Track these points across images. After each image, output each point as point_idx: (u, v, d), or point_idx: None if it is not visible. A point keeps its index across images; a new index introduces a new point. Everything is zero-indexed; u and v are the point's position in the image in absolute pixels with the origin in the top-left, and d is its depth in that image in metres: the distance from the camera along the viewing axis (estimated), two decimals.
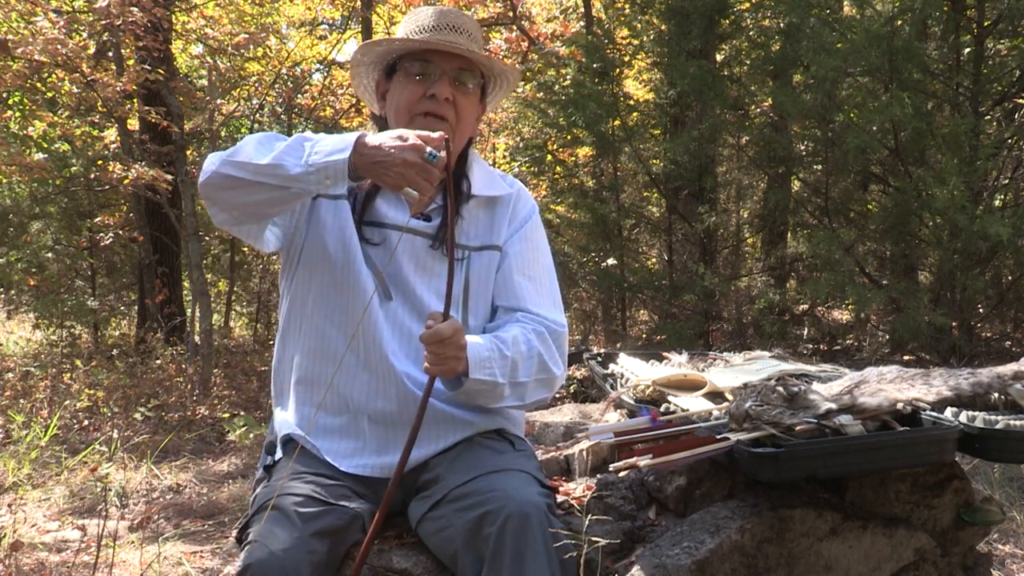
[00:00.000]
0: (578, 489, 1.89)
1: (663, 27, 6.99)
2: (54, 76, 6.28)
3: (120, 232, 8.11)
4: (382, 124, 1.76)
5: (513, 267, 1.76)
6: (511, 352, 1.62)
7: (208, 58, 7.86)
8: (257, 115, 8.97)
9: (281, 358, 1.78)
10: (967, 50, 5.86)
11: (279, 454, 1.72)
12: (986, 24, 5.71)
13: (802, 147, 6.95)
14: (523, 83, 9.02)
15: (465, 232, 1.75)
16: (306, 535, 1.44)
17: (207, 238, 8.68)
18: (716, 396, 1.97)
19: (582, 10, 8.60)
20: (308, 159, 1.46)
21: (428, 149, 1.44)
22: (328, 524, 1.49)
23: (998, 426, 1.63)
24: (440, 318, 1.52)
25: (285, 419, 1.75)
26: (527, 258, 1.78)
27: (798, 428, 1.58)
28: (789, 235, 7.96)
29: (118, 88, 5.94)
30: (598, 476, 1.94)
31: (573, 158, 8.19)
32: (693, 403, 1.91)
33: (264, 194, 1.51)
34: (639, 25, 7.20)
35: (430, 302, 1.70)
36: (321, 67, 9.97)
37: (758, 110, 7.06)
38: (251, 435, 4.81)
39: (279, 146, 1.50)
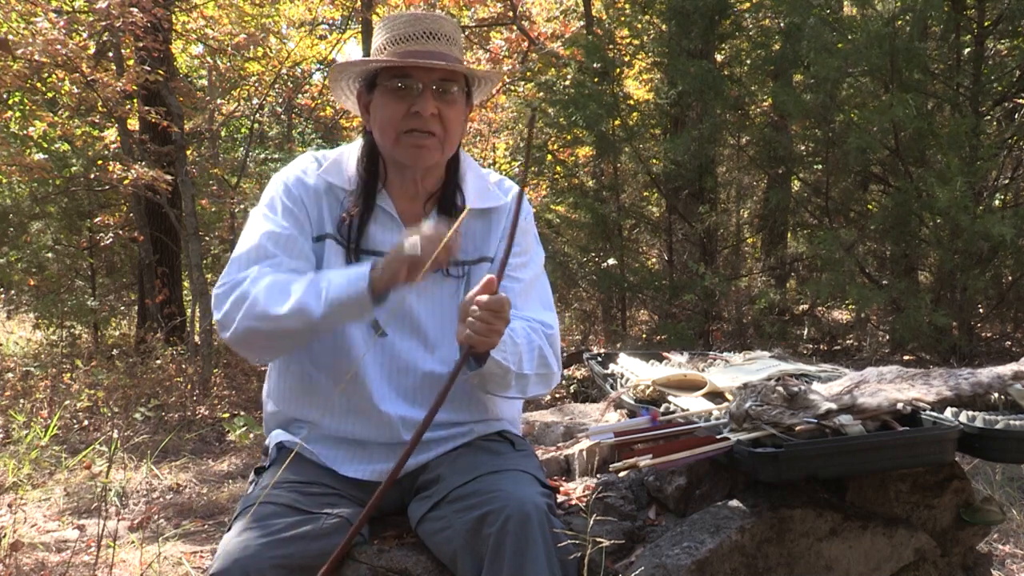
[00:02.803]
0: (578, 489, 1.89)
1: (663, 27, 7.00)
2: (54, 76, 6.28)
3: (120, 232, 8.11)
4: (368, 137, 1.71)
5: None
6: (520, 340, 1.61)
7: (208, 58, 7.87)
8: (257, 115, 8.96)
9: (270, 389, 1.77)
10: (967, 50, 5.87)
11: (270, 460, 1.72)
12: (986, 24, 5.72)
13: (802, 147, 6.95)
14: (523, 83, 9.03)
15: (462, 248, 1.68)
16: (274, 541, 1.45)
17: (207, 238, 8.68)
18: (716, 396, 1.97)
19: (582, 10, 8.60)
20: (328, 296, 1.47)
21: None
22: (305, 531, 1.49)
23: (998, 426, 1.63)
24: (494, 286, 1.46)
25: (278, 431, 1.75)
26: (513, 263, 1.74)
27: (798, 428, 1.58)
28: (789, 235, 7.96)
29: (118, 88, 5.94)
30: (598, 476, 1.94)
31: (573, 158, 8.19)
32: (693, 403, 1.91)
33: (294, 338, 1.55)
34: (640, 25, 7.20)
35: (432, 329, 1.68)
36: (321, 67, 9.97)
37: (758, 110, 7.06)
38: (251, 435, 4.81)
39: (296, 290, 1.49)
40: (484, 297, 1.44)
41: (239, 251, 1.62)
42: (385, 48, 1.64)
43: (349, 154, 1.73)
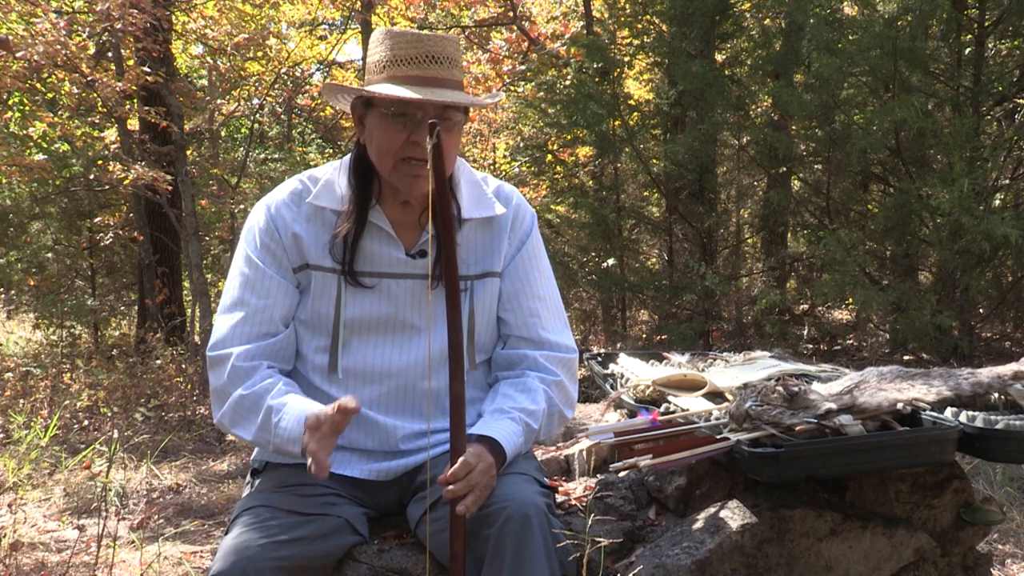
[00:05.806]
0: (578, 489, 1.89)
1: (664, 27, 7.00)
2: (54, 76, 6.28)
3: (120, 232, 8.11)
4: (361, 149, 1.66)
5: (523, 292, 1.72)
6: (538, 423, 1.64)
7: (208, 58, 7.87)
8: (257, 115, 8.96)
9: None
10: (968, 50, 5.87)
11: (264, 463, 1.72)
12: (987, 24, 5.72)
13: (803, 147, 6.95)
14: (523, 83, 9.03)
15: (464, 260, 1.67)
16: (274, 542, 1.46)
17: (207, 238, 8.68)
18: (716, 396, 1.97)
19: (582, 10, 8.60)
20: (274, 440, 1.54)
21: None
22: (306, 533, 1.50)
23: (998, 426, 1.62)
24: (461, 462, 1.45)
25: None
26: (534, 278, 1.73)
27: (798, 428, 1.58)
28: (789, 235, 7.96)
29: (118, 88, 5.94)
30: (598, 476, 1.94)
31: (573, 158, 8.20)
32: (693, 403, 1.91)
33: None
34: (640, 25, 7.20)
35: (432, 342, 1.67)
36: (321, 67, 9.98)
37: (759, 110, 7.06)
38: None
39: (254, 422, 1.57)
40: (457, 473, 1.44)
41: (224, 301, 1.67)
42: (385, 68, 1.57)
43: (340, 172, 1.69)
